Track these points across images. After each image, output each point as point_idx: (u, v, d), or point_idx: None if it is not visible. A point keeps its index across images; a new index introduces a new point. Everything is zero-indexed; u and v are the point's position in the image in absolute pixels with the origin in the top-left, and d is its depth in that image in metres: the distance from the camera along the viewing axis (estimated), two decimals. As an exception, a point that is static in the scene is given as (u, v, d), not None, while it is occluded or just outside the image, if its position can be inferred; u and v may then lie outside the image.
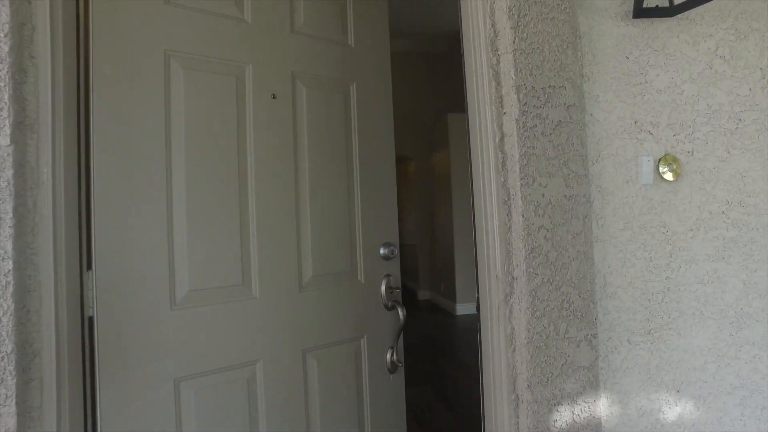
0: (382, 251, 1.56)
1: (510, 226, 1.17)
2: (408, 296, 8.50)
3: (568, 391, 1.14)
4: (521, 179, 1.14)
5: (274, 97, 1.40)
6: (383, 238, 1.59)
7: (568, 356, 1.14)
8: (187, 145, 1.27)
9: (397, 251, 1.56)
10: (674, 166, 1.24)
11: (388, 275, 1.56)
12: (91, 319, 1.12)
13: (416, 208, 8.17)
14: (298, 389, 1.40)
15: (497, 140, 1.18)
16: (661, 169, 1.24)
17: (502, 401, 1.17)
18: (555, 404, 1.13)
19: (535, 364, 1.13)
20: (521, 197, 1.13)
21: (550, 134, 1.16)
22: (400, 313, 1.48)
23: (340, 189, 1.53)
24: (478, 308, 1.27)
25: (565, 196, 1.16)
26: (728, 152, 1.27)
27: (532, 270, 1.13)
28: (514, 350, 1.16)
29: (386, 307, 1.52)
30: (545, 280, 1.14)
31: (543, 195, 1.15)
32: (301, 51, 1.48)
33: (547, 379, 1.13)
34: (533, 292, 1.13)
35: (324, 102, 1.52)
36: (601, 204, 1.22)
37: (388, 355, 1.53)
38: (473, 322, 6.06)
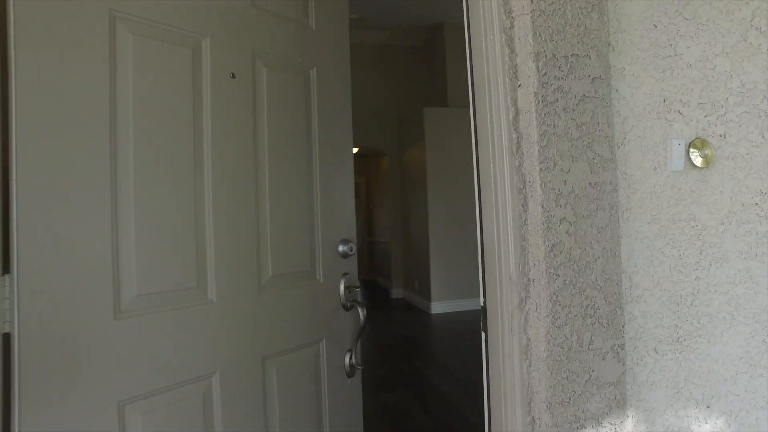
0: (340, 248, 1.43)
1: (526, 219, 0.99)
2: (381, 294, 8.34)
3: (592, 411, 0.98)
4: (540, 163, 0.96)
5: (233, 76, 1.22)
6: (341, 235, 1.45)
7: (593, 371, 0.98)
8: (135, 124, 1.05)
9: (355, 248, 1.45)
10: (706, 152, 1.09)
11: (346, 273, 1.43)
12: (7, 336, 0.88)
13: (389, 204, 7.99)
14: (257, 402, 1.23)
15: (511, 117, 1.00)
16: (691, 155, 1.09)
17: (515, 425, 1.00)
18: (578, 427, 0.97)
19: (556, 382, 0.96)
20: (540, 184, 0.96)
21: (573, 111, 0.99)
22: (361, 313, 1.37)
23: (300, 180, 1.37)
24: (483, 316, 1.09)
25: (590, 183, 0.99)
26: (763, 137, 1.13)
27: (552, 270, 0.96)
28: (530, 365, 0.99)
29: (345, 307, 1.41)
30: (567, 282, 0.97)
31: (565, 182, 0.97)
32: (261, 27, 1.30)
33: (569, 399, 0.96)
34: (553, 297, 0.96)
35: (284, 86, 1.35)
36: (627, 194, 1.05)
37: (347, 358, 1.41)
38: (449, 322, 5.94)
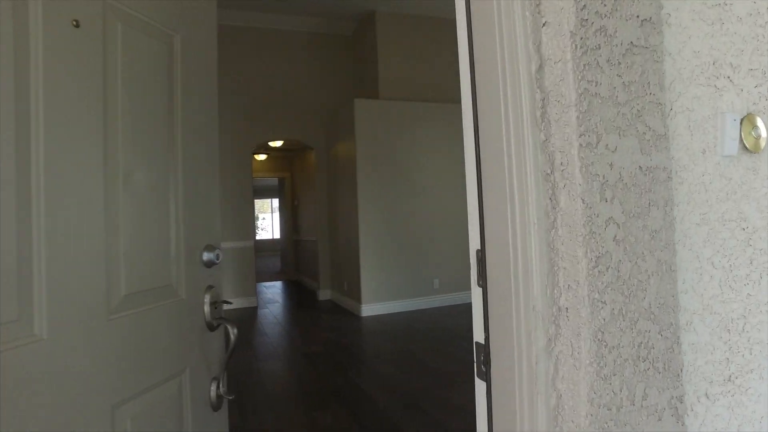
0: (205, 256, 1.15)
1: (555, 220, 0.67)
2: (307, 296, 7.88)
3: (645, 495, 0.68)
4: (579, 136, 0.65)
5: (76, 24, 0.81)
6: (205, 240, 1.16)
7: (646, 437, 0.69)
8: None
9: (222, 256, 1.18)
10: (760, 132, 0.84)
11: (211, 287, 1.16)
12: None
13: (316, 201, 7.55)
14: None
15: (533, 70, 0.68)
16: (743, 135, 0.84)
17: None
18: None
19: (601, 459, 0.65)
20: (579, 168, 0.65)
21: (619, 64, 0.68)
22: (231, 332, 1.13)
23: (159, 171, 1.04)
24: (485, 359, 0.76)
25: (640, 168, 0.69)
26: (814, 115, 0.90)
27: (597, 295, 0.65)
28: (562, 433, 0.67)
29: (210, 326, 1.15)
30: (615, 311, 0.66)
31: (611, 165, 0.67)
32: None
33: (617, 481, 0.66)
34: (598, 334, 0.65)
35: (144, 51, 1.00)
36: (674, 184, 0.77)
37: (213, 389, 1.17)
38: (381, 325, 5.63)
